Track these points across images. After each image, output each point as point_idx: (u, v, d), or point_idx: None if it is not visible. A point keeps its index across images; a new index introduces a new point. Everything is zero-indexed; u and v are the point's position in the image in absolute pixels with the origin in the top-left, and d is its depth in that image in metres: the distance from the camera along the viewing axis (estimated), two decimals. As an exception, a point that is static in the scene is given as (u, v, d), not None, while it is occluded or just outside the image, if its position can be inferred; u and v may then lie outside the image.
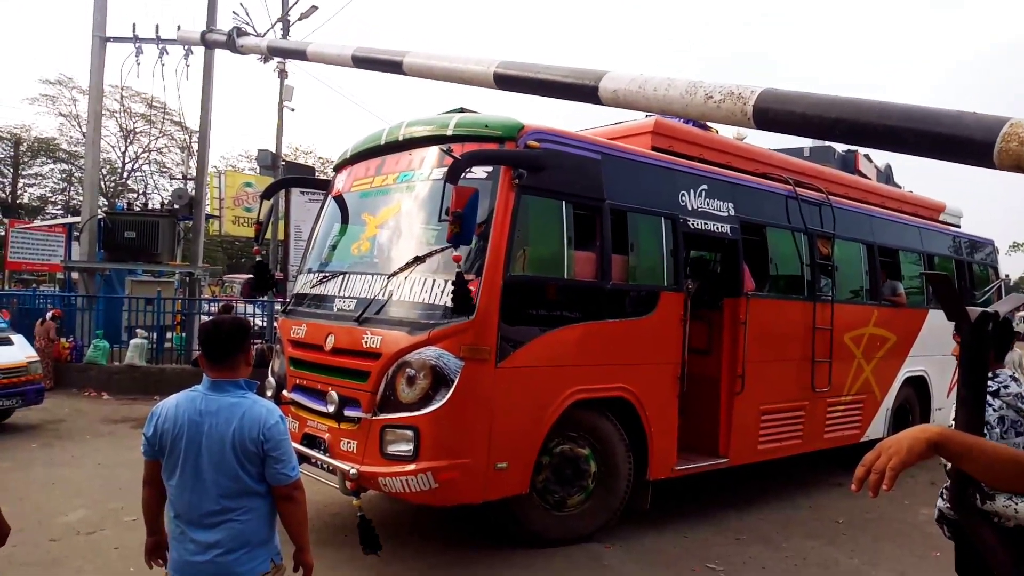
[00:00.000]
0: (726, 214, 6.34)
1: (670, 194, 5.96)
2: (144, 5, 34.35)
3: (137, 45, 14.78)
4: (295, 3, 17.33)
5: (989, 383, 2.98)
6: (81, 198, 17.73)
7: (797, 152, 8.92)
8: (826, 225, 7.32)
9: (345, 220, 6.01)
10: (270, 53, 13.21)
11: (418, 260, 5.06)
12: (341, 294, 5.47)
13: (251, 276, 6.22)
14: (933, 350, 8.63)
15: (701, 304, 6.57)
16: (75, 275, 15.86)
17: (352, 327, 5.09)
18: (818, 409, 7.19)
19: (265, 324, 14.61)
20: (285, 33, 16.71)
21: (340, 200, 6.05)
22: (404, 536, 5.54)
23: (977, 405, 1.61)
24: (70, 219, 23.34)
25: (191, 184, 17.14)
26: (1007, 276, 12.48)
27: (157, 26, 14.77)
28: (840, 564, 5.34)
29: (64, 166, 35.35)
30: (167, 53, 14.82)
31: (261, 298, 13.55)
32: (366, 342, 4.94)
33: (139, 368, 12.71)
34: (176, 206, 15.32)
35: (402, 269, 5.11)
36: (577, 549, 5.27)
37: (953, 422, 1.83)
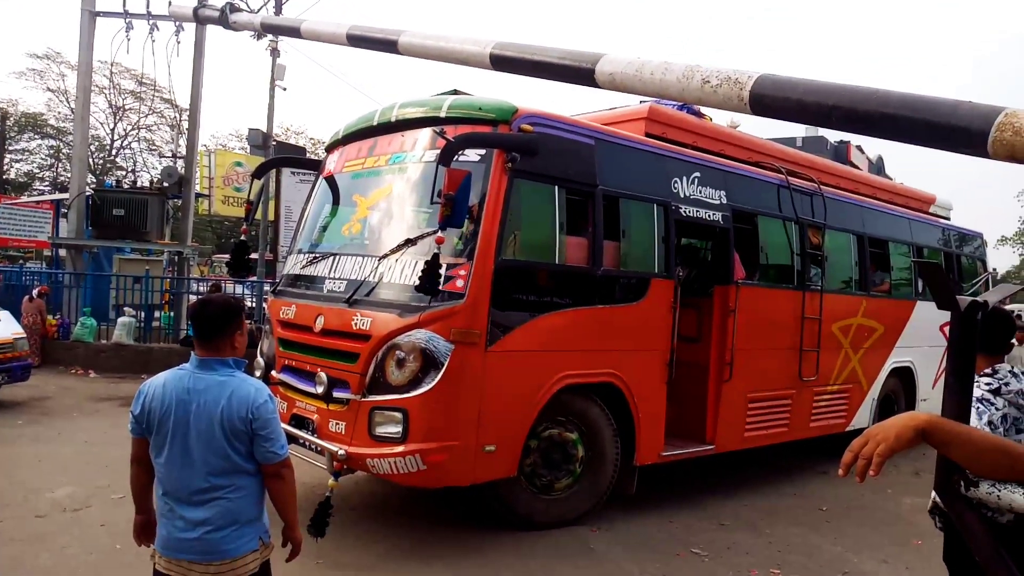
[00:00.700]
0: (718, 202, 6.35)
1: (663, 181, 5.95)
2: (134, -21, 33.82)
3: (127, 20, 14.55)
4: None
5: (990, 381, 2.93)
6: (69, 175, 17.56)
7: (790, 142, 8.93)
8: (817, 215, 7.34)
9: (336, 201, 5.98)
10: (263, 30, 13.05)
11: (409, 242, 5.05)
12: (331, 275, 5.45)
13: (230, 256, 6.15)
14: (920, 341, 8.72)
15: (691, 292, 6.59)
16: (62, 252, 15.75)
17: (342, 308, 5.08)
18: (805, 398, 7.24)
19: (254, 305, 14.56)
20: (278, 11, 16.53)
21: (331, 181, 6.02)
22: (391, 517, 5.56)
23: (964, 393, 1.62)
24: (58, 195, 23.14)
25: (181, 162, 17.02)
26: (994, 269, 12.57)
27: (148, 1, 14.58)
28: (823, 551, 5.40)
29: (52, 142, 34.97)
30: (157, 29, 14.61)
31: (250, 278, 13.48)
32: (356, 324, 4.93)
33: (127, 346, 12.66)
34: (165, 184, 15.20)
35: (393, 251, 5.09)
36: (564, 532, 5.31)
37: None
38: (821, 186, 7.48)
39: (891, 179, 10.16)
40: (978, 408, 2.80)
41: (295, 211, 13.92)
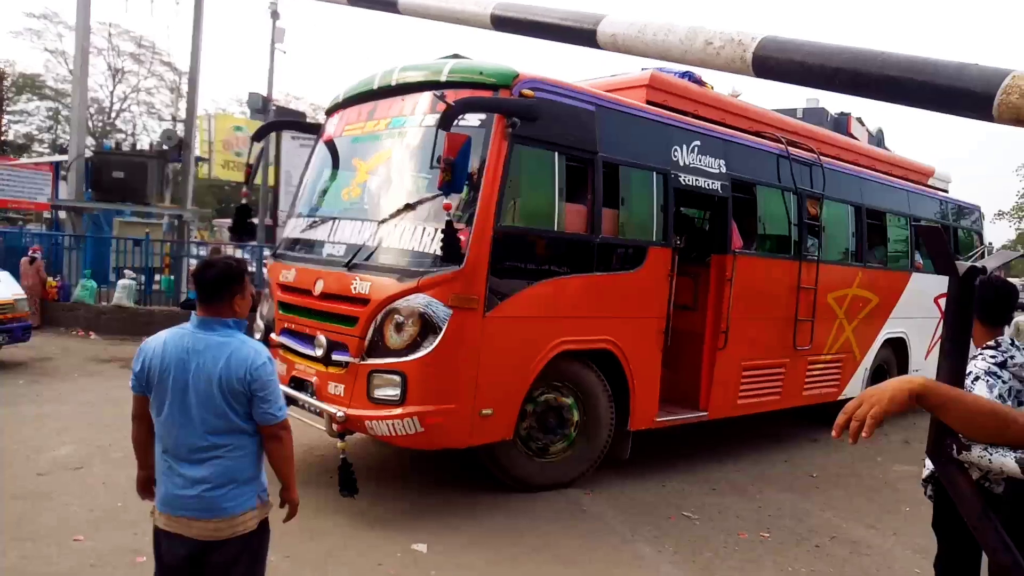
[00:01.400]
0: (717, 171, 6.35)
1: (663, 149, 5.95)
2: (131, -63, 33.24)
3: (125, -21, 14.41)
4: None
5: (995, 353, 2.96)
6: (68, 137, 17.45)
7: (791, 113, 8.91)
8: (816, 185, 7.34)
9: (336, 165, 5.97)
10: None
11: (409, 207, 5.07)
12: (331, 239, 5.47)
13: (232, 219, 6.18)
14: (914, 312, 8.77)
15: (688, 260, 6.61)
16: (62, 214, 15.72)
17: (341, 272, 5.10)
18: (798, 367, 7.31)
19: (254, 269, 14.58)
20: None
21: (331, 145, 6.01)
22: (389, 479, 5.65)
23: (960, 358, 1.65)
24: (57, 157, 23.00)
25: (180, 126, 16.91)
26: (991, 243, 12.59)
27: (146, -40, 14.38)
28: (812, 516, 5.50)
29: (51, 103, 34.62)
30: (156, -11, 14.45)
31: (250, 242, 13.49)
32: (355, 288, 4.96)
33: (127, 309, 12.71)
34: (165, 147, 15.13)
35: (392, 216, 5.11)
36: (558, 495, 5.40)
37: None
38: (821, 157, 7.47)
39: (890, 151, 10.14)
40: (988, 381, 2.84)
41: (295, 176, 13.85)
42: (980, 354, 3.01)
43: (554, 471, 5.50)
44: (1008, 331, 3.74)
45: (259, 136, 6.60)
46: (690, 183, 6.10)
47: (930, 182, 9.93)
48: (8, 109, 33.74)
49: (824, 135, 8.21)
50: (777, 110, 8.59)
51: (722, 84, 7.32)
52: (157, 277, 14.32)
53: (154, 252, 14.12)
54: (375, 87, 5.67)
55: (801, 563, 4.62)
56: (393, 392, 4.73)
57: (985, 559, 1.65)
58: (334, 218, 5.62)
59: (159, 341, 2.64)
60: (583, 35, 2.14)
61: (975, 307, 2.01)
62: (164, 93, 35.94)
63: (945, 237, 1.73)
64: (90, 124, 29.55)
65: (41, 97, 34.39)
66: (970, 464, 1.55)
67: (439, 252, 4.59)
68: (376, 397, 4.78)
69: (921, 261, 9.00)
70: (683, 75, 6.65)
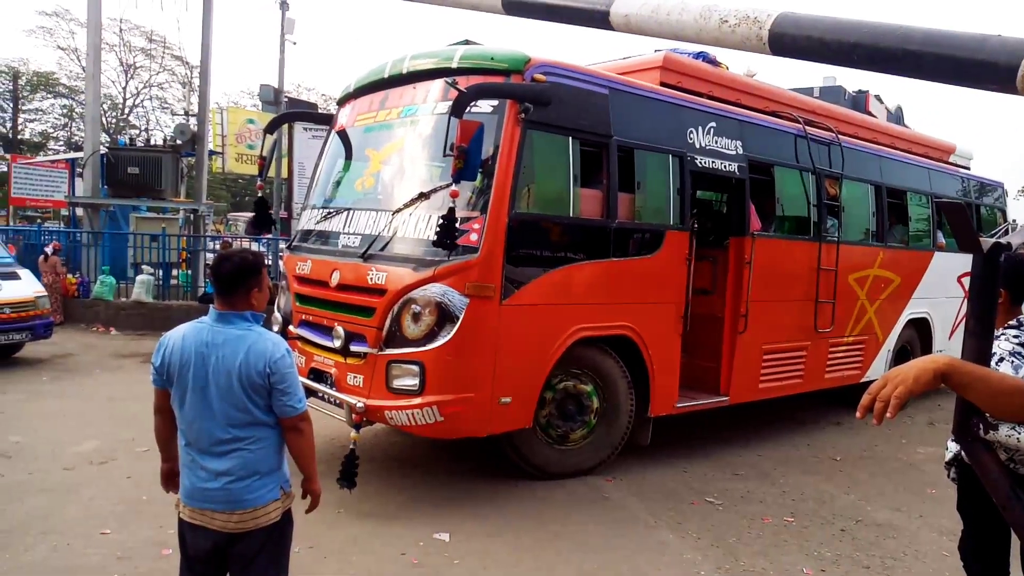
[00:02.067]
0: (734, 152, 6.27)
1: (678, 131, 5.87)
2: (140, -67, 33.32)
3: (135, -25, 14.42)
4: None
5: (1018, 332, 2.88)
6: (83, 133, 17.57)
7: (807, 91, 8.76)
8: (835, 165, 7.23)
9: (349, 156, 5.95)
10: None
11: (423, 196, 5.04)
12: (346, 230, 5.46)
13: (253, 213, 6.22)
14: (937, 292, 8.66)
15: (706, 243, 6.55)
16: (79, 211, 15.83)
17: (357, 263, 5.09)
18: (820, 349, 7.24)
19: (270, 261, 14.64)
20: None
21: (343, 135, 5.98)
22: (410, 468, 5.66)
23: (985, 337, 1.62)
24: (72, 154, 23.18)
25: (193, 120, 16.96)
26: (1014, 220, 12.39)
27: (155, -45, 14.38)
28: (837, 499, 5.45)
29: (65, 101, 34.91)
30: (166, -17, 14.47)
31: (266, 236, 13.54)
32: (371, 278, 4.95)
33: (146, 304, 12.80)
34: (179, 142, 15.17)
35: (407, 205, 5.08)
36: (579, 482, 5.39)
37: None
38: (839, 135, 7.36)
39: (910, 128, 9.97)
40: (1013, 362, 2.77)
41: (308, 167, 13.87)
42: (1003, 334, 2.93)
43: (574, 458, 5.49)
44: None
45: (271, 129, 6.59)
46: (706, 165, 6.03)
47: (951, 159, 9.77)
48: (23, 108, 34.06)
49: (842, 113, 8.09)
50: (793, 89, 8.46)
51: (737, 64, 7.22)
52: (174, 272, 14.41)
53: (171, 247, 14.21)
54: (386, 76, 5.63)
55: (826, 547, 4.58)
56: (412, 382, 4.73)
57: (1015, 539, 1.62)
58: (348, 209, 5.60)
59: (178, 335, 2.64)
60: (595, 17, 2.10)
61: (999, 284, 1.95)
62: (176, 88, 36.17)
63: (968, 214, 1.68)
64: (104, 120, 29.77)
65: (55, 95, 34.66)
66: (997, 444, 1.52)
67: (432, 238, 4.53)
68: (395, 387, 4.78)
69: (943, 240, 8.86)
70: (697, 56, 6.57)
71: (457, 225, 4.42)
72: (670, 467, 5.92)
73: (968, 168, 10.18)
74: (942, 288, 8.73)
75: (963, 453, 2.56)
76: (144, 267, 13.55)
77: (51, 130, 35.96)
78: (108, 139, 23.95)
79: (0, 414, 6.70)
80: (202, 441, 2.58)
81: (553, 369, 5.14)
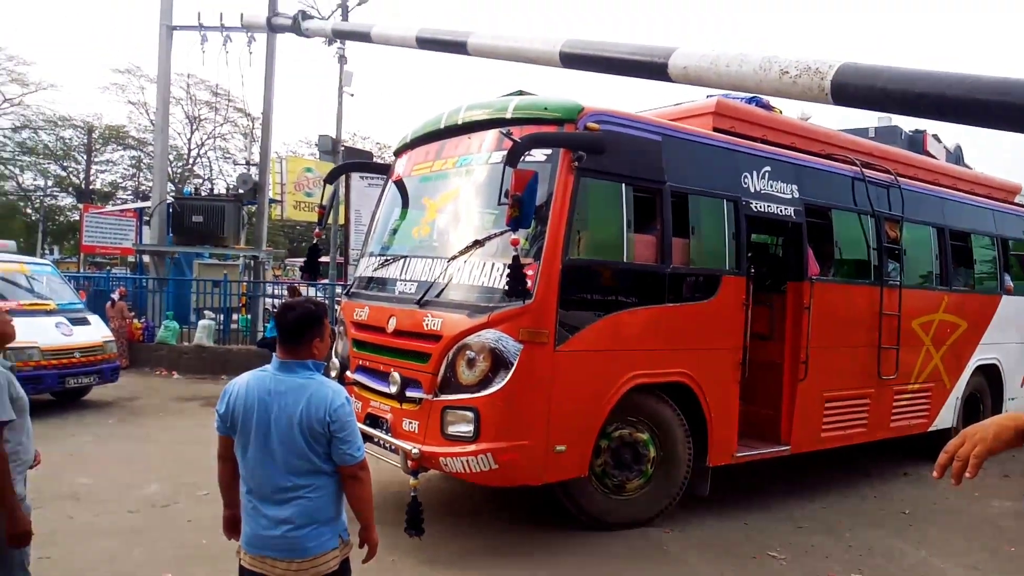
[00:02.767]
0: (790, 196, 6.20)
1: (732, 176, 5.85)
2: (208, -7, 35.06)
3: (202, 33, 15.16)
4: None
5: None
6: (150, 183, 18.33)
7: (862, 132, 8.68)
8: (894, 207, 7.08)
9: (405, 204, 6.07)
10: (335, 35, 13.36)
11: (478, 244, 5.10)
12: (402, 277, 5.55)
13: (304, 260, 6.45)
14: (1006, 337, 8.34)
15: (763, 288, 6.45)
16: (146, 258, 16.44)
17: (413, 309, 5.16)
18: (884, 397, 7.00)
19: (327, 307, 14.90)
20: (344, 18, 16.92)
21: (400, 184, 6.12)
22: (463, 515, 5.62)
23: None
24: (140, 204, 24.17)
25: (254, 169, 17.54)
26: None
27: (221, 14, 15.11)
28: (907, 555, 5.21)
29: (133, 152, 36.52)
30: (231, 40, 15.18)
31: (322, 281, 13.84)
32: (427, 324, 5.01)
33: (207, 348, 13.14)
34: (241, 191, 15.72)
35: (462, 253, 5.15)
36: (636, 534, 5.27)
37: None
38: (898, 177, 7.22)
39: (970, 168, 9.74)
40: None
41: (364, 215, 14.19)
42: None
43: (631, 509, 5.38)
44: None
45: (331, 179, 6.79)
46: (762, 209, 5.97)
47: (1018, 200, 9.48)
48: (96, 159, 35.74)
49: (900, 155, 7.95)
50: (848, 130, 8.37)
51: (790, 107, 7.19)
52: (234, 316, 14.79)
53: (231, 292, 14.62)
54: (442, 126, 5.77)
55: (898, 606, 4.37)
56: (466, 428, 4.73)
57: None
58: (405, 256, 5.70)
59: (242, 383, 2.70)
60: (654, 69, 2.13)
61: None
62: (238, 138, 37.47)
63: None
64: (170, 170, 30.98)
65: (125, 147, 36.27)
66: None
67: (505, 287, 4.59)
68: (450, 433, 4.79)
69: (1012, 283, 8.56)
70: (750, 100, 6.56)
71: (527, 272, 4.46)
72: (730, 519, 5.75)
73: (1035, 209, 9.85)
74: (1012, 333, 8.40)
75: None
76: (206, 312, 13.95)
77: (120, 180, 37.60)
78: (173, 188, 24.92)
79: (70, 456, 6.92)
80: (264, 488, 2.62)
81: (608, 417, 5.08)
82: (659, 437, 5.40)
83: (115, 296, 13.27)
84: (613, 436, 5.23)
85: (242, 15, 14.40)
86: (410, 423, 5.02)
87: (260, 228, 16.07)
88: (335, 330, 6.40)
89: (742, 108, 6.38)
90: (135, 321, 13.50)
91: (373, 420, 5.35)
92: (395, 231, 6.15)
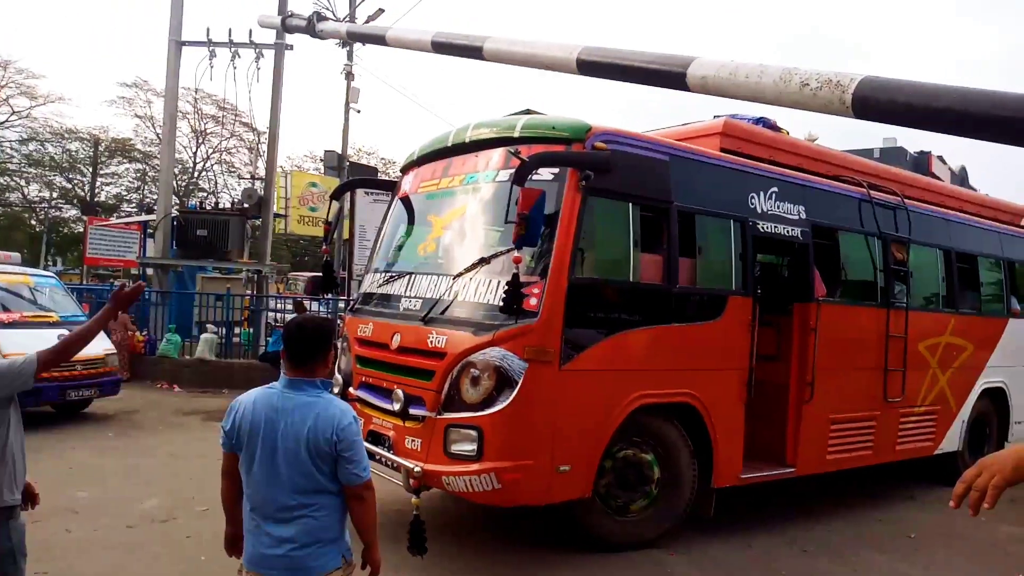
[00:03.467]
0: (797, 217, 6.19)
1: (739, 196, 5.84)
2: (216, 7, 35.29)
3: (211, 49, 15.27)
4: (360, 2, 17.70)
5: None
6: (155, 196, 18.39)
7: (867, 153, 8.67)
8: (901, 229, 7.07)
9: (411, 221, 6.07)
10: (349, 38, 13.37)
11: (483, 261, 5.08)
12: (407, 294, 5.53)
13: (317, 275, 6.47)
14: (1013, 361, 8.29)
15: (770, 309, 6.42)
16: (149, 271, 16.45)
17: (418, 327, 5.14)
18: (890, 419, 6.95)
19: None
20: (351, 21, 17.02)
21: (406, 201, 6.12)
22: (466, 535, 5.57)
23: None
24: (144, 217, 24.21)
25: (259, 183, 17.58)
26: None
27: (230, 30, 15.26)
28: (914, 581, 5.15)
29: (139, 165, 36.64)
30: (239, 56, 15.29)
31: (326, 296, 13.84)
32: (431, 342, 4.98)
33: (209, 362, 13.11)
34: (246, 205, 15.74)
35: (467, 270, 5.13)
36: (640, 555, 5.21)
37: None
38: (904, 199, 7.21)
39: (976, 190, 9.73)
40: None
41: (369, 231, 14.21)
42: None
43: (635, 530, 5.32)
44: None
45: (337, 196, 6.81)
46: (769, 230, 5.96)
47: (1023, 222, 9.46)
48: (101, 172, 35.88)
49: (907, 177, 7.95)
50: (853, 151, 8.39)
51: (797, 129, 7.20)
52: (237, 330, 14.77)
53: (234, 306, 14.60)
54: (449, 144, 5.78)
55: (906, 634, 4.31)
56: (470, 447, 4.69)
57: None
58: (410, 273, 5.69)
59: (249, 400, 2.67)
60: (672, 78, 2.12)
61: None
62: (243, 152, 37.57)
63: None
64: (175, 184, 31.08)
65: (131, 160, 36.41)
66: None
67: (500, 303, 4.56)
68: (453, 452, 4.74)
69: (1018, 306, 8.52)
70: (757, 121, 6.57)
71: (524, 291, 4.44)
72: (735, 541, 5.69)
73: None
74: (1019, 356, 8.35)
75: None
76: (208, 326, 13.93)
77: (124, 192, 37.69)
78: (178, 202, 24.99)
79: (69, 469, 6.87)
80: (267, 507, 2.59)
81: (613, 437, 5.04)
82: (664, 458, 5.36)
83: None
84: (618, 456, 5.19)
85: (257, 21, 14.39)
86: (413, 441, 4.98)
87: (264, 242, 16.09)
88: (338, 346, 6.38)
89: (749, 129, 6.39)
90: (137, 334, 13.47)
91: (375, 437, 5.31)
92: (400, 248, 6.15)
